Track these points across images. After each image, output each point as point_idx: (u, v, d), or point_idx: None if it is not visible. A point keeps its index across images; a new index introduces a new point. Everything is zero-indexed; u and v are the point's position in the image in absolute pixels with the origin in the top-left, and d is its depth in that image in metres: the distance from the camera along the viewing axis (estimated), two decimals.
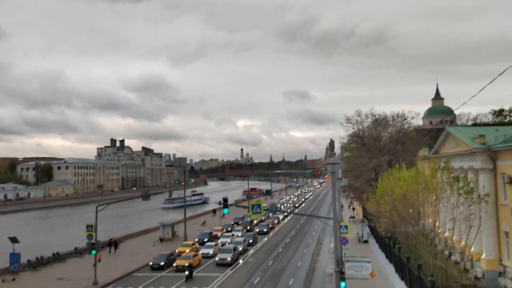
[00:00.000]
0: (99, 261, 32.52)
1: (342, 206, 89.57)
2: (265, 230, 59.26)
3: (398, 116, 48.80)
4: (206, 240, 50.44)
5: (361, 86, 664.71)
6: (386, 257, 35.65)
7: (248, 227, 60.55)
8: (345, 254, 28.61)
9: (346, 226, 27.95)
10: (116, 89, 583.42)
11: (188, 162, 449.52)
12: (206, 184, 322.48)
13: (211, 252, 42.68)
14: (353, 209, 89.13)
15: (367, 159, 46.72)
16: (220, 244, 46.42)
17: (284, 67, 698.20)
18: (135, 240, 55.78)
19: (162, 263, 37.21)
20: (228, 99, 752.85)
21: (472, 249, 30.73)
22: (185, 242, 47.60)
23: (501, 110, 58.58)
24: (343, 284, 20.79)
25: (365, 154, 47.65)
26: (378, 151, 47.25)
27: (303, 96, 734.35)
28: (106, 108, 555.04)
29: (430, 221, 38.81)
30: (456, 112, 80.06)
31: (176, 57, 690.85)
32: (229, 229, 61.03)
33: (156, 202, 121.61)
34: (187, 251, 43.05)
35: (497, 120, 58.04)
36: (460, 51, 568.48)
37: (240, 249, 43.63)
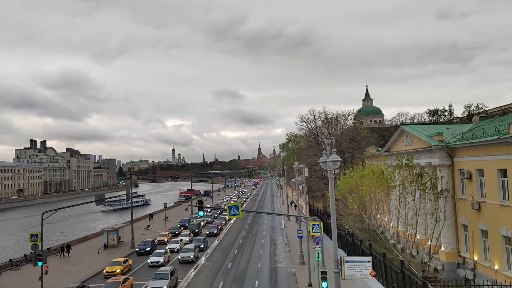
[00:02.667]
0: (46, 273, 29.12)
1: (290, 205, 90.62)
2: (215, 232, 57.47)
3: (349, 115, 50.04)
4: (148, 249, 45.01)
5: (290, 86, 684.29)
6: (348, 254, 36.02)
7: (196, 230, 58.27)
8: (318, 253, 28.28)
9: (318, 225, 27.50)
10: (30, 86, 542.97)
11: (116, 163, 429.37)
12: (137, 186, 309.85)
13: (161, 260, 38.95)
14: (295, 206, 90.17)
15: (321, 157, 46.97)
16: (169, 252, 42.91)
17: (213, 66, 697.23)
18: (74, 248, 50.99)
19: None
20: (156, 97, 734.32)
21: (428, 242, 32.04)
22: (115, 260, 38.62)
23: (436, 110, 62.75)
24: (324, 284, 20.39)
25: (319, 152, 48.03)
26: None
27: (233, 96, 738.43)
28: (19, 106, 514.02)
29: (379, 216, 40.13)
30: (393, 113, 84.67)
31: (98, 53, 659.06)
32: (176, 232, 58.54)
33: (93, 205, 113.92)
34: (117, 271, 35.59)
35: (432, 119, 62.00)
36: (380, 54, 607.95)
37: (191, 257, 40.54)
